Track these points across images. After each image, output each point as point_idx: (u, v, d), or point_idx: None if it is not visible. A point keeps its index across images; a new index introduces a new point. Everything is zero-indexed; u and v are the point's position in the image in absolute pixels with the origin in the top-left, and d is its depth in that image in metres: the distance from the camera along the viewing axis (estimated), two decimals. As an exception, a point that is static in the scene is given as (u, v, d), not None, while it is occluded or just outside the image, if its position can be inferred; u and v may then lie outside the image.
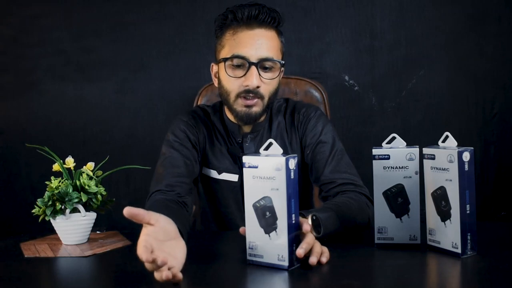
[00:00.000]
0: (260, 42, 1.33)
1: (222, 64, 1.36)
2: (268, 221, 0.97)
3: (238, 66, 1.33)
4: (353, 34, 2.23)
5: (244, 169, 1.00)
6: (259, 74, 1.32)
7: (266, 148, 1.01)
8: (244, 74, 1.32)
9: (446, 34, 2.21)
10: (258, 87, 1.32)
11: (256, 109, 1.35)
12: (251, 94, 1.33)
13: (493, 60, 2.20)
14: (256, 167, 0.98)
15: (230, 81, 1.34)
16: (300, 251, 0.96)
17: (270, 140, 1.01)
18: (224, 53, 1.36)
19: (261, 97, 1.34)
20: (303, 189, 1.50)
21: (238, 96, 1.34)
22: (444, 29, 2.21)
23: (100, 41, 2.29)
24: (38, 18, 2.29)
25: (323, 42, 2.24)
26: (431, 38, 2.21)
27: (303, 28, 2.23)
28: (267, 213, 0.97)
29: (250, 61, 1.31)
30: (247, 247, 1.01)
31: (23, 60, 2.31)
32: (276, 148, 0.99)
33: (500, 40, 2.19)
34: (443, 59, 2.22)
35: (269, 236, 0.97)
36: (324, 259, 0.99)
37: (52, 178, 1.24)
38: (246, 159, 1.00)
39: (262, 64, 1.33)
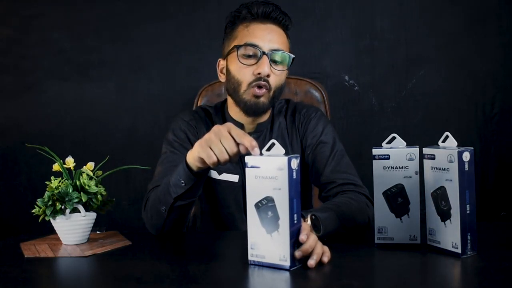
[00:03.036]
0: (272, 35, 1.37)
1: (233, 54, 1.37)
2: (270, 221, 0.97)
3: (249, 56, 1.36)
4: (353, 34, 2.23)
5: (246, 169, 1.00)
6: (270, 65, 1.35)
7: (269, 149, 1.01)
8: (256, 63, 1.35)
9: (446, 34, 2.21)
10: (268, 76, 1.34)
11: (264, 100, 1.37)
12: (262, 82, 1.34)
13: (493, 60, 2.20)
14: (259, 167, 0.98)
15: (241, 70, 1.36)
16: (297, 254, 0.96)
17: (273, 140, 1.01)
18: (237, 42, 1.38)
19: (269, 88, 1.36)
20: (303, 189, 1.50)
21: (249, 85, 1.35)
22: (444, 29, 2.21)
23: (100, 41, 2.29)
24: (38, 18, 2.29)
25: (323, 42, 2.24)
26: (431, 38, 2.21)
27: (303, 28, 2.23)
28: (269, 213, 0.97)
29: (262, 50, 1.35)
30: (248, 247, 1.01)
31: (23, 60, 2.31)
32: (279, 148, 0.99)
33: (500, 40, 2.19)
34: (443, 59, 2.22)
35: (271, 236, 0.97)
36: (325, 259, 0.99)
37: (52, 178, 1.24)
38: (248, 159, 1.00)
39: (273, 56, 1.36)
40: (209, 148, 1.07)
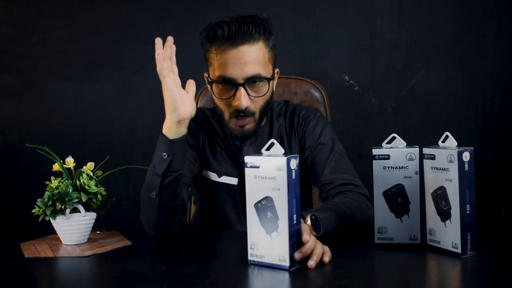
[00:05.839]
0: (245, 61, 1.29)
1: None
2: (269, 221, 0.97)
3: (226, 87, 1.31)
4: (353, 34, 2.23)
5: (246, 169, 1.00)
6: (248, 94, 1.31)
7: (268, 149, 1.00)
8: (233, 95, 1.31)
9: (446, 34, 2.21)
10: (247, 107, 1.32)
11: (249, 127, 1.36)
12: (241, 114, 1.32)
13: (493, 60, 2.20)
14: (258, 167, 0.98)
15: (220, 102, 1.34)
16: (297, 256, 0.96)
17: (272, 140, 1.01)
18: (212, 73, 1.34)
19: (252, 114, 1.34)
20: (303, 190, 1.49)
21: (231, 116, 1.34)
22: (444, 29, 2.21)
23: (100, 41, 2.29)
24: (38, 18, 2.30)
25: (323, 42, 2.24)
26: (431, 38, 2.21)
27: (303, 28, 2.23)
28: (269, 213, 0.97)
29: (237, 83, 1.29)
30: (248, 247, 1.01)
31: (23, 60, 2.31)
32: (278, 148, 0.99)
33: (500, 40, 2.19)
34: (443, 59, 2.22)
35: (270, 236, 0.97)
36: (326, 259, 0.99)
37: (52, 178, 1.24)
38: (248, 159, 1.00)
39: (249, 84, 1.31)
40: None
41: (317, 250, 0.98)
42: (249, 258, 1.00)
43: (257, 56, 1.30)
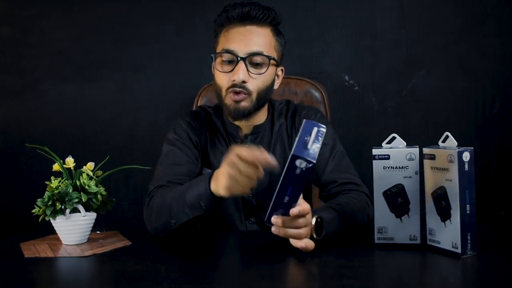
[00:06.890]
0: (250, 37, 1.35)
1: (215, 61, 1.37)
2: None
3: (228, 62, 1.35)
4: (353, 34, 2.23)
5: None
6: (247, 70, 1.33)
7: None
8: (233, 69, 1.33)
9: (446, 34, 2.21)
10: (244, 82, 1.33)
11: (244, 104, 1.36)
12: (237, 89, 1.34)
13: (493, 60, 2.20)
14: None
15: (220, 76, 1.37)
16: (294, 211, 1.00)
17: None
18: (218, 48, 1.39)
19: (248, 92, 1.35)
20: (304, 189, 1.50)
21: (227, 91, 1.35)
22: (444, 29, 2.21)
23: (100, 41, 2.29)
24: (38, 18, 2.30)
25: (323, 42, 2.24)
26: (431, 38, 2.21)
27: (303, 28, 2.23)
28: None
29: (238, 56, 1.33)
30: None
31: (23, 60, 2.31)
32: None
33: (500, 40, 2.19)
34: (443, 59, 2.21)
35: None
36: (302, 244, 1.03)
37: (52, 178, 1.24)
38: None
39: (251, 59, 1.34)
40: (237, 184, 1.03)
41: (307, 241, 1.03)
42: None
43: (263, 37, 1.36)
